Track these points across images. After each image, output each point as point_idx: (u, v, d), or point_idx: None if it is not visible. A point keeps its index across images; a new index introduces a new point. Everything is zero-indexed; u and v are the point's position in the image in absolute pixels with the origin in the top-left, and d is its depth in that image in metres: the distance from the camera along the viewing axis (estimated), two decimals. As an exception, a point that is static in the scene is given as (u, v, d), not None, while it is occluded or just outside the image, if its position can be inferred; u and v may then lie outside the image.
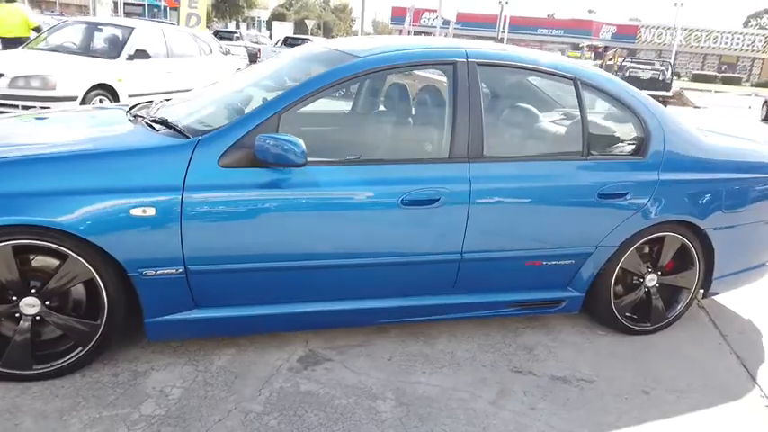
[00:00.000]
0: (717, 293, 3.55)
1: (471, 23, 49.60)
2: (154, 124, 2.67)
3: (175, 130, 2.55)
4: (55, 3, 40.43)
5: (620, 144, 3.15)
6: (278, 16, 57.03)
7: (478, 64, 2.82)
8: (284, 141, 2.30)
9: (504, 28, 38.63)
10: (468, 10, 49.52)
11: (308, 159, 2.44)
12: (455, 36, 42.17)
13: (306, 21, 42.24)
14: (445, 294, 2.88)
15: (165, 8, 47.78)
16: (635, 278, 3.19)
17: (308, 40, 22.35)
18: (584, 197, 2.89)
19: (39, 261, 2.31)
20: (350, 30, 74.40)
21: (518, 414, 2.46)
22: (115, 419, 2.19)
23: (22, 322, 2.30)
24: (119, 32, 7.92)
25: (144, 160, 2.34)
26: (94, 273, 2.30)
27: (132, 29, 7.98)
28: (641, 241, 3.08)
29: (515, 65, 2.98)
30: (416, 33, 46.38)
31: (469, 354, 2.90)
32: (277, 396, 2.42)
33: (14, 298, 2.27)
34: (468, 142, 2.72)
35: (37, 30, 8.62)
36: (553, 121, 3.25)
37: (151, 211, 2.28)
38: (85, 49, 7.80)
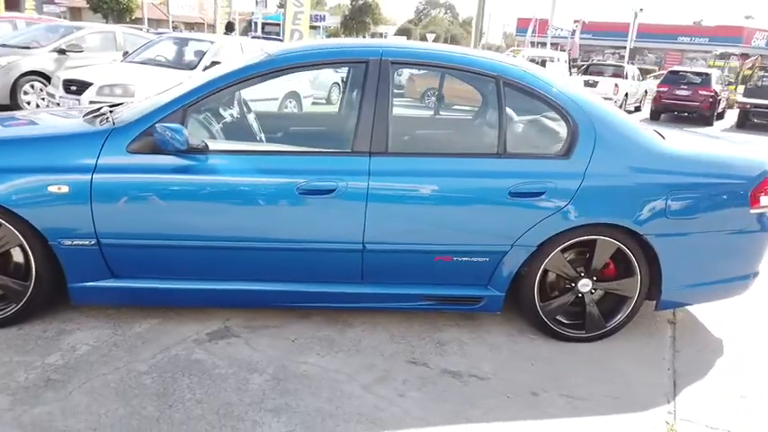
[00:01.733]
0: (680, 305, 3.33)
1: (601, 33, 47.57)
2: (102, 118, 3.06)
3: (112, 123, 2.92)
4: (193, 26, 44.65)
5: (544, 143, 3.08)
6: (403, 32, 58.36)
7: (392, 62, 2.93)
8: (171, 131, 2.58)
9: (636, 36, 36.67)
10: (599, 19, 47.63)
11: (213, 148, 2.72)
12: (581, 46, 40.70)
13: (427, 35, 42.89)
14: (354, 283, 2.99)
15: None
16: (565, 282, 3.09)
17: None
18: (494, 195, 2.87)
19: (-19, 228, 2.76)
20: (478, 43, 74.45)
21: (382, 399, 2.53)
22: (20, 365, 2.56)
23: (-34, 279, 2.77)
24: (201, 47, 8.75)
25: (62, 144, 2.73)
26: (23, 240, 2.71)
27: (212, 43, 8.78)
28: (567, 243, 2.98)
29: (433, 63, 3.04)
30: (541, 44, 45.54)
31: (375, 343, 2.99)
32: (166, 361, 2.69)
33: (-39, 258, 2.75)
34: (371, 137, 2.83)
35: None
36: (474, 119, 3.24)
37: (65, 189, 2.65)
38: (172, 62, 8.70)
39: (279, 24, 52.18)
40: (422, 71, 3.45)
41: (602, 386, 2.76)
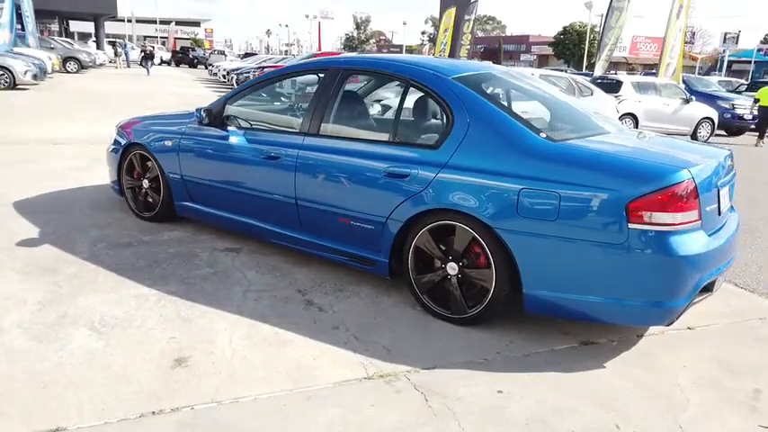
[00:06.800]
0: (556, 312, 3.12)
1: None
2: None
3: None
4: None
5: (428, 135, 3.47)
6: None
7: (345, 70, 3.89)
8: (198, 111, 4.24)
9: None
10: None
11: (229, 124, 4.29)
12: None
13: None
14: (297, 229, 4.04)
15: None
16: (436, 261, 3.41)
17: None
18: (376, 173, 3.52)
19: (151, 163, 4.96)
20: None
21: (244, 298, 3.58)
22: (129, 236, 4.62)
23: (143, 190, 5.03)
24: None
25: (174, 120, 4.70)
26: (159, 172, 4.79)
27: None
28: (432, 225, 3.35)
29: (369, 70, 3.84)
30: None
31: (301, 277, 3.97)
32: (185, 251, 4.34)
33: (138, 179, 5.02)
34: (309, 122, 3.88)
35: None
36: (388, 113, 3.77)
37: (170, 143, 4.62)
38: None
39: (750, 62, 46.76)
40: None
41: (393, 342, 3.13)
